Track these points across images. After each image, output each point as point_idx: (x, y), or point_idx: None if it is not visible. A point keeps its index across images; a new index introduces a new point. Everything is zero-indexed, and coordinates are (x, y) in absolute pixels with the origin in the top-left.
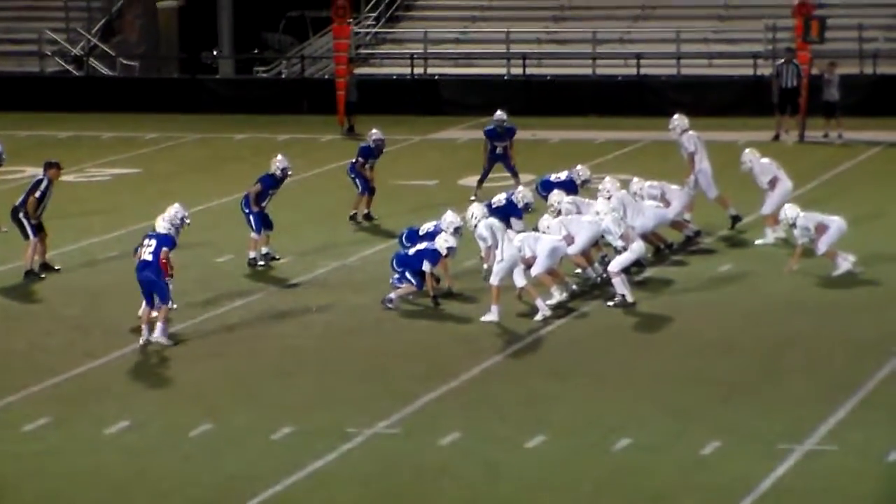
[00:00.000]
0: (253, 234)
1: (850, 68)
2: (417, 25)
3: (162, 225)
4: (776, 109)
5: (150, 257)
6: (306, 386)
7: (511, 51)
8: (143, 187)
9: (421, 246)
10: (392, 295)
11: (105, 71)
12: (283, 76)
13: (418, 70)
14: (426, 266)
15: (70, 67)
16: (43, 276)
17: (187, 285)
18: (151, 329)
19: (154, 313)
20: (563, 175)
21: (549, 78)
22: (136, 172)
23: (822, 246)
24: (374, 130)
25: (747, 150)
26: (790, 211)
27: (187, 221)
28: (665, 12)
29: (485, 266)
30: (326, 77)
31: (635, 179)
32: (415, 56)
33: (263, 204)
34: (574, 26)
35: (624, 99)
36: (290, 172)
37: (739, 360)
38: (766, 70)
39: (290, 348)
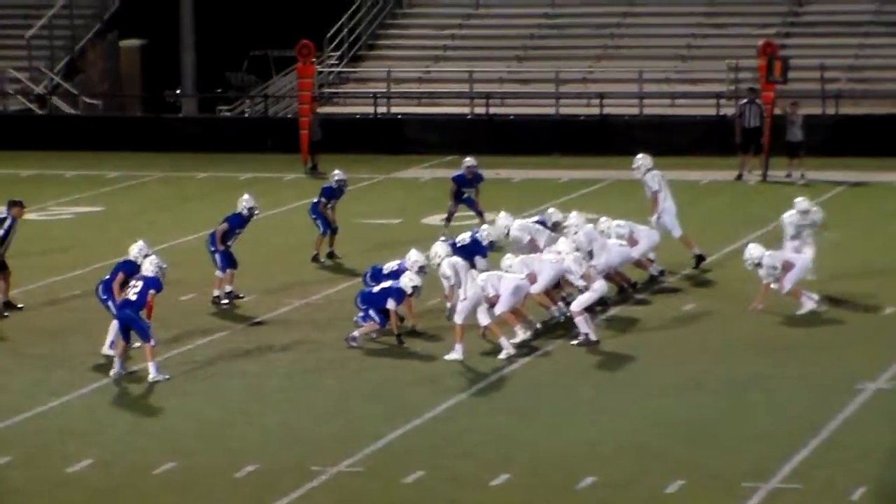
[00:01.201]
0: (218, 273)
1: (812, 108)
2: (381, 64)
3: (149, 268)
4: (739, 149)
5: (134, 297)
6: (270, 424)
7: (474, 90)
8: (105, 226)
9: (385, 284)
10: (356, 333)
11: (68, 109)
12: (247, 115)
13: (381, 109)
14: (390, 304)
15: (32, 106)
16: (6, 314)
17: (160, 324)
18: (124, 363)
19: (134, 345)
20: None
21: (511, 117)
22: (99, 211)
23: (788, 284)
24: (336, 171)
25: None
26: (755, 250)
27: (164, 267)
28: (627, 52)
29: (448, 305)
30: (290, 116)
31: (603, 219)
32: (378, 95)
33: (229, 243)
34: (537, 66)
35: (587, 138)
36: (257, 212)
37: (703, 399)
38: (728, 110)
39: (254, 387)
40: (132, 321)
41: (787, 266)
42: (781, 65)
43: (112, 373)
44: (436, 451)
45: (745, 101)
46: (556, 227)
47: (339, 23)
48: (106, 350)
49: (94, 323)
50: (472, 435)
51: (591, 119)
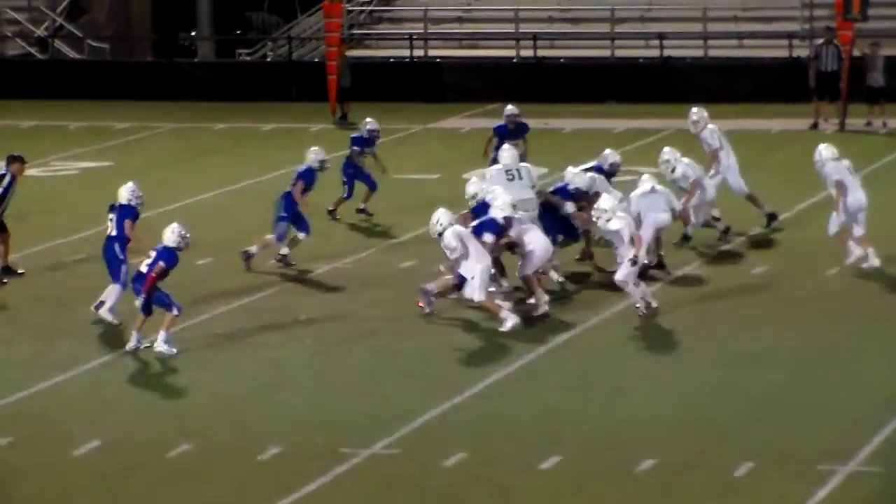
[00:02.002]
0: (302, 235)
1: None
2: (416, 2)
3: (170, 238)
4: (814, 95)
5: (145, 269)
6: (296, 402)
7: (520, 31)
8: (113, 182)
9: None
10: (430, 286)
11: (72, 54)
12: (269, 59)
13: (418, 52)
14: (488, 238)
15: (33, 50)
16: (5, 280)
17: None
18: (142, 337)
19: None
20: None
21: (562, 61)
22: (106, 166)
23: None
24: (368, 119)
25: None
26: (669, 154)
27: (187, 237)
28: None
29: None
30: (316, 60)
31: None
32: (414, 37)
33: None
34: (590, 3)
35: (646, 83)
36: (328, 165)
37: (773, 373)
38: (802, 51)
39: (277, 360)
40: (159, 298)
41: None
42: (860, 0)
43: (129, 346)
44: (478, 430)
45: (820, 41)
46: (614, 171)
47: None
48: (103, 313)
49: (101, 290)
50: (517, 413)
51: (650, 62)
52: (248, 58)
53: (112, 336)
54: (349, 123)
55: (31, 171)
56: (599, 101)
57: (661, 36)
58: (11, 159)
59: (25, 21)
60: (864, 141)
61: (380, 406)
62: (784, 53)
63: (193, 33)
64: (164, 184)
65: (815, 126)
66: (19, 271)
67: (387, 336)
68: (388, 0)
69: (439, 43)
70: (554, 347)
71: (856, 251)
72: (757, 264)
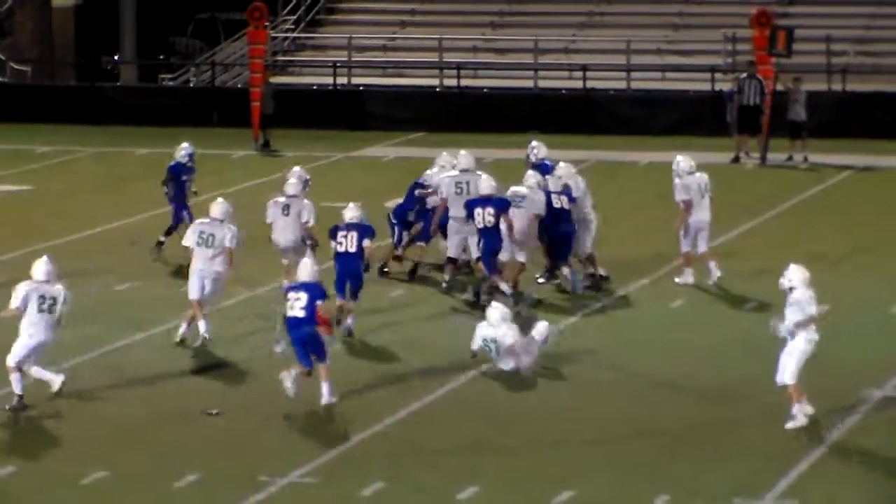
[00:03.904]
0: (422, 243)
1: (817, 84)
2: (341, 30)
3: (309, 273)
4: (732, 129)
5: (302, 313)
6: (213, 428)
7: (444, 59)
8: (33, 207)
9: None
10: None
11: None
12: (192, 84)
13: (341, 80)
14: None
15: None
16: None
17: (81, 317)
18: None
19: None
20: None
21: (485, 91)
22: (27, 190)
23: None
24: (184, 144)
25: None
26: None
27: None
28: (614, 20)
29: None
30: (240, 86)
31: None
32: (338, 64)
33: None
34: (514, 34)
35: (569, 115)
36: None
37: (689, 407)
38: (724, 84)
39: (195, 388)
40: (313, 340)
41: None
42: (785, 35)
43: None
44: (398, 459)
45: (744, 75)
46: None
47: None
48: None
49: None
50: (439, 442)
51: (574, 93)
52: (171, 83)
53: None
54: (272, 150)
55: None
56: (522, 131)
57: (585, 68)
58: None
59: None
60: (785, 175)
61: (298, 433)
62: (706, 87)
63: (116, 57)
64: (85, 209)
65: (736, 160)
66: None
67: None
68: (312, 26)
69: (363, 71)
70: (477, 377)
71: (716, 271)
72: (675, 297)
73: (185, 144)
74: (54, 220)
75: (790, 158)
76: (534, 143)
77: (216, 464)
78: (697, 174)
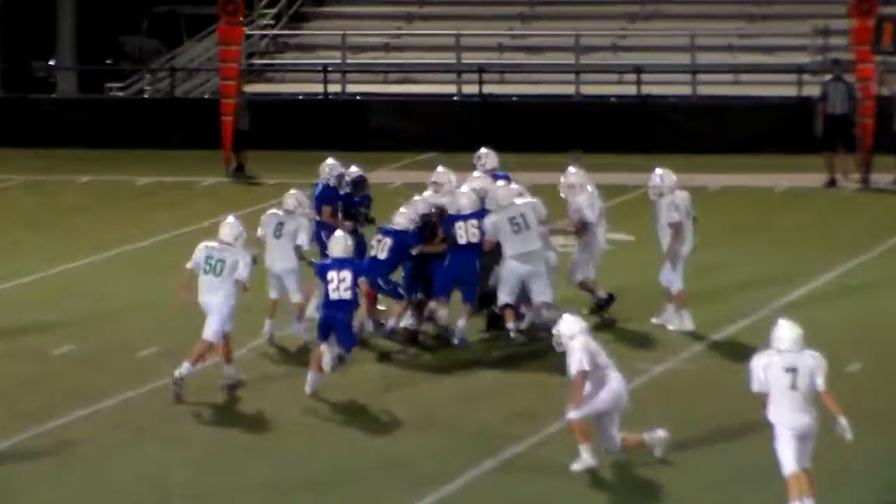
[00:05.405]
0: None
1: None
2: (333, 26)
3: (344, 248)
4: (822, 146)
5: (348, 294)
6: None
7: (462, 61)
8: None
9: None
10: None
11: None
12: (146, 95)
13: (334, 88)
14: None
15: None
16: None
17: (14, 387)
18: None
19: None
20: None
21: (514, 100)
22: None
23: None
24: (353, 168)
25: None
26: None
27: None
28: (674, 9)
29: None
30: (207, 97)
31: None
32: (329, 68)
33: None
34: (549, 28)
35: (619, 129)
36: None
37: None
38: (814, 89)
39: (154, 476)
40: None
41: None
42: (893, 29)
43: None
44: None
45: (828, 77)
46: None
47: None
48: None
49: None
50: None
51: (625, 102)
52: (120, 93)
53: None
54: (247, 177)
55: None
56: (561, 150)
57: (638, 69)
58: None
59: None
60: (891, 201)
61: None
62: (791, 92)
63: (52, 62)
64: (16, 250)
65: (832, 183)
66: None
67: (297, 440)
68: (297, 22)
69: (361, 76)
70: (504, 462)
71: (669, 310)
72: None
73: (330, 161)
74: None
75: None
76: (482, 150)
77: None
78: (680, 192)
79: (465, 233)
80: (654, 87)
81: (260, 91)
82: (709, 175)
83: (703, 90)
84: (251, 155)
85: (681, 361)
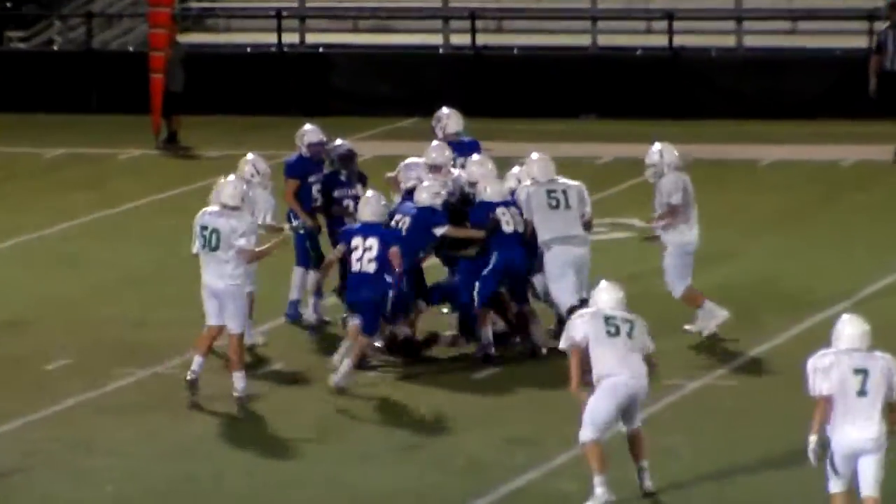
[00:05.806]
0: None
1: None
2: None
3: (375, 210)
4: (877, 107)
5: (373, 267)
6: None
7: (451, 4)
8: None
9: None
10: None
11: None
12: (56, 48)
13: (290, 38)
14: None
15: None
16: None
17: None
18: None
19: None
20: None
21: (515, 53)
22: None
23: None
24: (338, 140)
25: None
26: None
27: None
28: None
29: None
30: (131, 50)
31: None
32: (284, 13)
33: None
34: None
35: (646, 88)
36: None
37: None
38: None
39: (123, 499)
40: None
41: None
42: None
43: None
44: None
45: (886, 24)
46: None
47: None
48: None
49: None
50: None
51: (654, 55)
52: (22, 45)
53: None
54: (182, 147)
55: None
56: (573, 115)
57: (670, 16)
58: None
59: None
60: None
61: None
62: (861, 43)
63: None
64: None
65: None
66: None
67: (258, 481)
68: None
69: (323, 23)
70: (501, 500)
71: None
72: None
73: (308, 127)
74: None
75: None
76: (444, 110)
77: None
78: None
79: (511, 219)
80: (690, 38)
81: (197, 42)
82: (759, 147)
83: (751, 41)
84: (186, 121)
85: (718, 377)
